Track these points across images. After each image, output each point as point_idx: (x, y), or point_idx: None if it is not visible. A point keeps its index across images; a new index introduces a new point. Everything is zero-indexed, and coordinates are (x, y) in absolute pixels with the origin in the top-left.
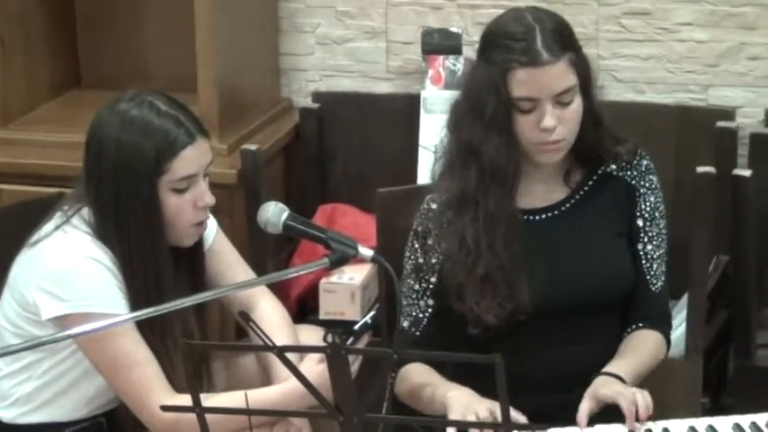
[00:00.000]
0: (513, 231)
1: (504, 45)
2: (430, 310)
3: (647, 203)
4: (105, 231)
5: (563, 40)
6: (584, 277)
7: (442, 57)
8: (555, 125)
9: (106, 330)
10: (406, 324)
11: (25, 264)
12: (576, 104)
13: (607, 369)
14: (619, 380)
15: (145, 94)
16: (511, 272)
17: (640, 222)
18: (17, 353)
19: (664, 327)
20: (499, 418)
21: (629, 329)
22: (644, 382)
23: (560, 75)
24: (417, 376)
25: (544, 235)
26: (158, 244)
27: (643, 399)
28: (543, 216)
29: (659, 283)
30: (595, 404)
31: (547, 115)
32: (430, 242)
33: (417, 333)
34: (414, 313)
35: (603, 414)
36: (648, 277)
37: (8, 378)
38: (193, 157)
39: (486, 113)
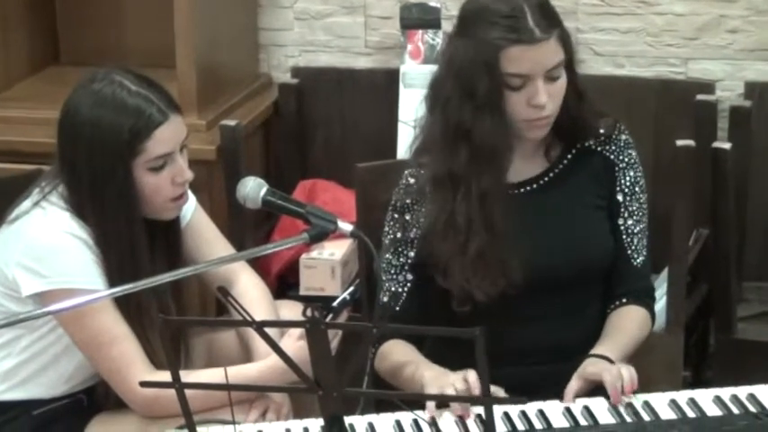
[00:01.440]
0: (507, 208)
1: (492, 22)
2: (409, 284)
3: (627, 178)
4: (81, 209)
5: (550, 15)
6: (565, 251)
7: (420, 31)
8: (546, 101)
9: (86, 306)
10: (385, 299)
11: (4, 241)
12: (563, 80)
13: (595, 351)
14: (607, 360)
15: (114, 73)
16: (502, 249)
17: (620, 197)
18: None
19: (647, 301)
20: (473, 383)
21: (612, 305)
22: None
23: (552, 51)
24: (397, 354)
25: (524, 209)
26: (133, 221)
27: (628, 373)
28: (522, 190)
29: (640, 258)
30: (584, 384)
31: (540, 92)
32: (408, 217)
33: (397, 308)
34: (393, 288)
35: (591, 394)
36: (629, 252)
37: None
38: (167, 136)
39: (479, 93)
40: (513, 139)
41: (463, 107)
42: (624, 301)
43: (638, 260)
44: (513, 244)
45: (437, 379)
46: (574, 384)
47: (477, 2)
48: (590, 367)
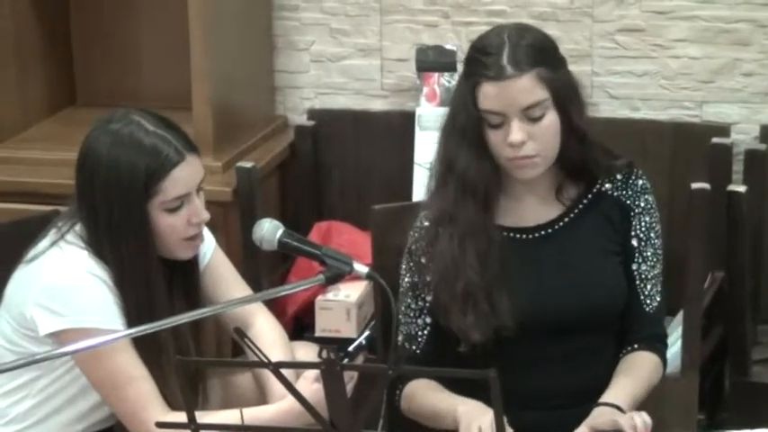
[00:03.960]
0: (487, 246)
1: (476, 59)
2: (428, 327)
3: (643, 223)
4: (99, 248)
5: (535, 55)
6: (574, 294)
7: (436, 74)
8: (522, 140)
9: (103, 347)
10: (406, 342)
11: (22, 280)
12: (549, 120)
13: (604, 399)
14: (617, 409)
15: (132, 114)
16: (490, 289)
17: (635, 242)
18: (13, 370)
19: (660, 348)
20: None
21: (624, 351)
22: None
23: (526, 89)
24: (425, 393)
25: (534, 253)
26: (150, 262)
27: (641, 419)
28: (536, 234)
29: (654, 303)
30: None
31: (513, 130)
32: (423, 260)
33: (417, 351)
34: (413, 332)
35: None
36: (642, 297)
37: (5, 397)
38: (184, 176)
39: (459, 127)
40: (508, 181)
41: (450, 142)
42: (636, 346)
43: (651, 306)
44: (506, 285)
45: (467, 415)
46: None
47: (477, 39)
48: (599, 417)
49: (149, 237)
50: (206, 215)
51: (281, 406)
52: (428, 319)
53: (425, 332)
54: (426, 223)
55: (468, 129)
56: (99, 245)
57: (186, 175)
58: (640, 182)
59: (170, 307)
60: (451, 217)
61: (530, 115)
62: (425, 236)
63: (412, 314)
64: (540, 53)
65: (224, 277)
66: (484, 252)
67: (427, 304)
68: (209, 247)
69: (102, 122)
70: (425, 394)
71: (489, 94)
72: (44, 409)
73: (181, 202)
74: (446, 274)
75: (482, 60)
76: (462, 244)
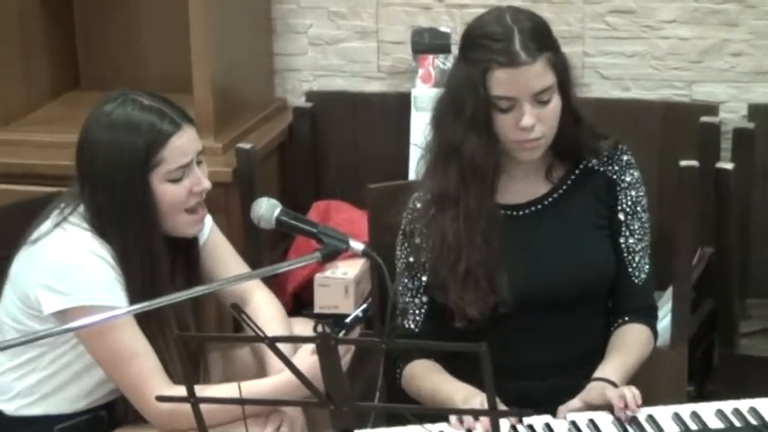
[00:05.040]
0: (493, 227)
1: (483, 45)
2: (425, 306)
3: (629, 197)
4: (102, 228)
5: (541, 39)
6: (566, 270)
7: (431, 56)
8: (534, 124)
9: (106, 323)
10: (404, 321)
11: (26, 261)
12: (555, 103)
13: (598, 374)
14: (610, 384)
15: (128, 93)
16: (491, 267)
17: (622, 216)
18: (17, 347)
19: (650, 319)
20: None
21: (615, 324)
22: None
23: (538, 74)
24: (428, 378)
25: (526, 230)
26: (154, 239)
27: (631, 393)
28: (526, 211)
29: (642, 275)
30: (585, 406)
31: (526, 114)
32: (417, 241)
33: (416, 329)
34: (410, 310)
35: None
36: (631, 270)
37: (10, 372)
38: (182, 145)
39: (466, 113)
40: (505, 160)
41: (454, 126)
42: (627, 319)
43: (640, 278)
44: (504, 263)
45: (466, 403)
46: (574, 404)
47: (473, 25)
48: (593, 392)
49: (153, 214)
50: (207, 183)
51: (279, 378)
52: (424, 298)
53: (422, 310)
54: (419, 205)
55: (476, 114)
56: (102, 225)
57: (185, 142)
58: (625, 157)
59: (171, 284)
60: (455, 199)
61: (540, 99)
62: (420, 217)
63: (409, 293)
64: (545, 38)
65: (222, 255)
66: (489, 232)
67: (423, 283)
68: (207, 227)
69: (100, 104)
70: (426, 376)
71: (502, 80)
72: (49, 384)
73: (182, 172)
74: (446, 253)
75: (491, 47)
76: (468, 224)
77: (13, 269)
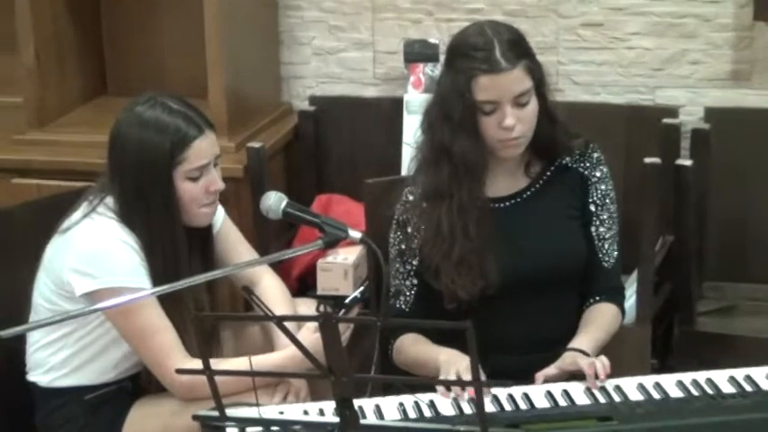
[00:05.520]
0: (483, 218)
1: (467, 55)
2: (416, 288)
3: (599, 191)
4: (129, 217)
5: (518, 49)
6: (545, 255)
7: (421, 64)
8: (514, 124)
9: (132, 303)
10: (397, 302)
11: (58, 248)
12: (532, 105)
13: (572, 345)
14: (583, 353)
15: (157, 96)
16: (482, 254)
17: (593, 207)
18: (53, 324)
19: (618, 299)
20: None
21: (587, 303)
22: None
23: (517, 79)
24: (413, 347)
25: (509, 220)
26: (175, 228)
27: (601, 363)
28: (508, 203)
29: (611, 260)
30: (561, 373)
31: (507, 116)
32: (409, 230)
33: (407, 309)
34: (402, 291)
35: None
36: (601, 255)
37: (45, 348)
38: (204, 147)
39: (455, 117)
40: (489, 158)
41: (444, 129)
42: (597, 299)
43: (609, 263)
44: (492, 250)
45: (448, 363)
46: (550, 370)
47: (458, 38)
48: (568, 359)
49: (174, 205)
50: (221, 185)
51: (285, 353)
52: (415, 281)
53: (413, 292)
54: (411, 197)
55: (464, 118)
56: (129, 215)
57: (206, 146)
58: (596, 155)
59: (189, 268)
60: (448, 194)
61: (519, 102)
62: (412, 208)
63: (401, 276)
64: (522, 47)
65: (232, 242)
66: (480, 222)
67: (414, 267)
68: (220, 217)
69: (131, 105)
70: (413, 346)
71: (485, 86)
72: (79, 358)
73: (200, 172)
74: (441, 242)
75: (475, 56)
76: (462, 216)
77: (46, 256)
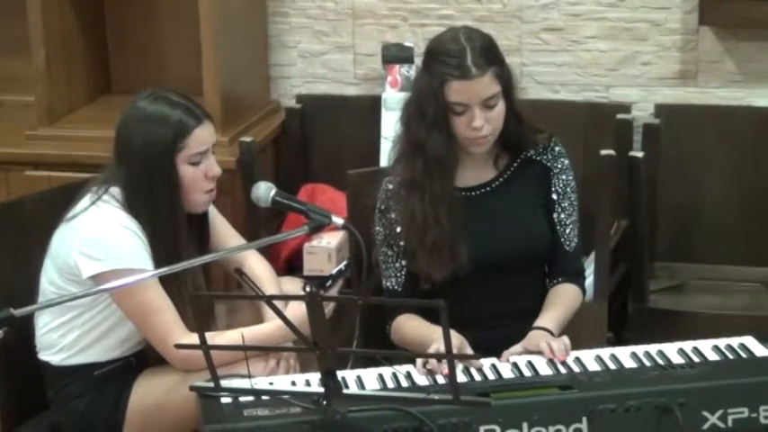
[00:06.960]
0: (454, 207)
1: (442, 60)
2: (404, 269)
3: (560, 181)
4: (134, 204)
5: (489, 56)
6: (511, 240)
7: (398, 65)
8: (483, 125)
9: (135, 284)
10: (388, 283)
11: (65, 235)
12: (500, 107)
13: (538, 323)
14: (547, 332)
15: (159, 91)
16: (453, 239)
17: (555, 196)
18: (62, 303)
19: (579, 280)
20: (464, 350)
21: (551, 283)
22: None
23: (486, 85)
24: (409, 324)
25: (478, 208)
26: (177, 212)
27: (560, 344)
28: (478, 192)
29: (573, 244)
30: (524, 352)
31: (476, 117)
32: (392, 215)
33: (399, 289)
34: (392, 274)
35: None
36: (563, 239)
37: (55, 330)
38: (204, 135)
39: (429, 115)
40: (460, 153)
41: (419, 126)
42: (560, 279)
43: (570, 246)
44: (463, 236)
45: (440, 341)
46: (516, 349)
47: (434, 43)
48: (532, 340)
49: (176, 191)
50: (218, 170)
51: (274, 324)
52: (403, 262)
53: (402, 273)
54: (391, 186)
55: (437, 117)
56: (134, 202)
57: (206, 133)
58: (557, 148)
59: (187, 251)
60: (421, 185)
61: (488, 104)
62: (392, 196)
63: (389, 260)
64: (493, 54)
65: (220, 228)
66: (451, 211)
67: (401, 249)
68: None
69: (135, 100)
70: (409, 325)
71: (457, 90)
72: (87, 338)
73: (200, 157)
74: (416, 228)
75: (448, 62)
76: (433, 205)
77: (53, 243)
